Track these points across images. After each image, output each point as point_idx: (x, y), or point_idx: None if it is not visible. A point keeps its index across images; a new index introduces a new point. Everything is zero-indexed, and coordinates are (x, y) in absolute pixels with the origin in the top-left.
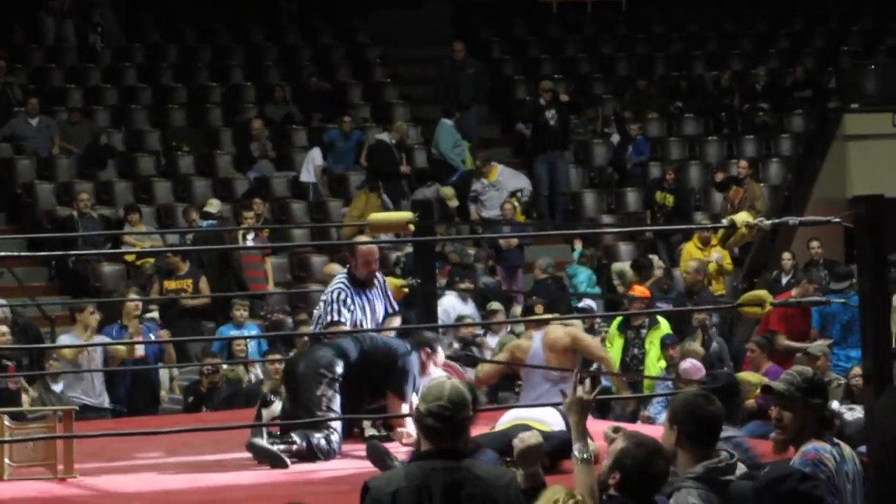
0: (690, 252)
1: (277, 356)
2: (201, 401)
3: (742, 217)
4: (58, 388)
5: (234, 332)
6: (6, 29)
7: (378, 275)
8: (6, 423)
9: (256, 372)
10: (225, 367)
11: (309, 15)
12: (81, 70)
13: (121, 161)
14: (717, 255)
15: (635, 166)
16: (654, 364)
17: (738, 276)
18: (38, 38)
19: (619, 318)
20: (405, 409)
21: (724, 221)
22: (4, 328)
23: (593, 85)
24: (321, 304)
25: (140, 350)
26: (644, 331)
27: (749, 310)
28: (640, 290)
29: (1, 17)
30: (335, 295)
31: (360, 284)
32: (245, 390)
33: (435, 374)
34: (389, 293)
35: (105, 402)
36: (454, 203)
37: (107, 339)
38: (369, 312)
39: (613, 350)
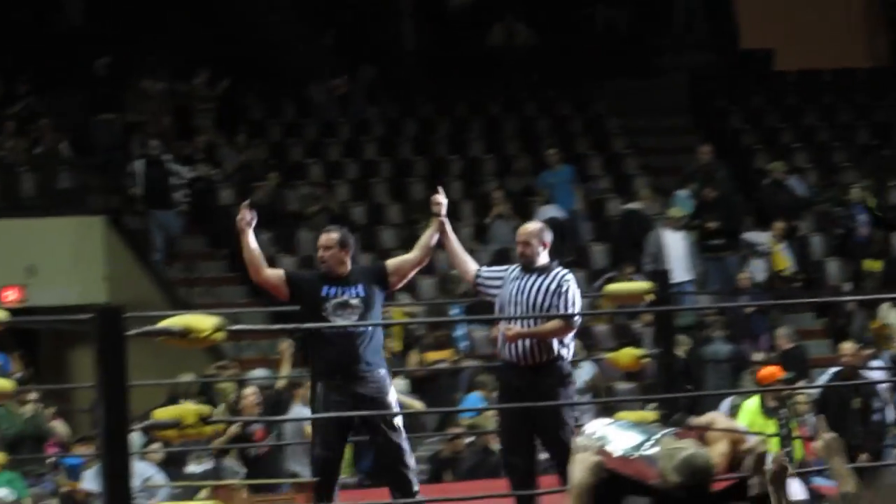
0: None
1: None
2: (442, 469)
3: None
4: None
5: (483, 404)
6: (244, 105)
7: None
8: (244, 495)
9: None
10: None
11: (546, 86)
12: (321, 145)
13: (362, 234)
14: None
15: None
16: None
17: None
18: (277, 113)
19: (758, 403)
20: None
21: None
22: (251, 388)
23: (832, 153)
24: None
25: None
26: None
27: None
28: (769, 373)
29: (240, 94)
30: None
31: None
32: (491, 462)
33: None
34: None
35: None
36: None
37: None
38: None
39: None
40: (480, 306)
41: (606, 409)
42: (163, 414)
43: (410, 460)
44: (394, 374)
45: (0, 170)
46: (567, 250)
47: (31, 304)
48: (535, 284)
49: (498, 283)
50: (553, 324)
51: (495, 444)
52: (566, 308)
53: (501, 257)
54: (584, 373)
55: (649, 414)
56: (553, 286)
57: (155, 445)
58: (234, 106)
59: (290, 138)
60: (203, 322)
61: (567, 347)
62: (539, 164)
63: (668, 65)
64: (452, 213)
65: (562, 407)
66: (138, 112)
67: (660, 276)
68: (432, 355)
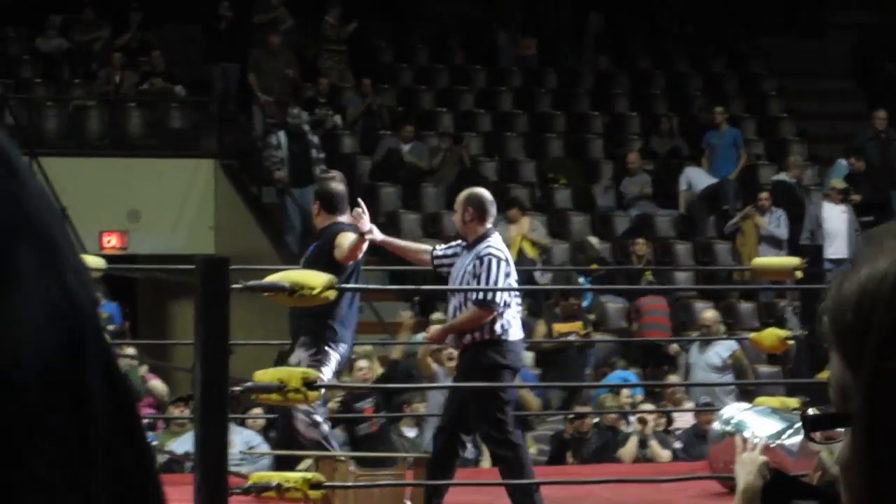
0: None
1: (650, 407)
2: (565, 451)
3: None
4: (412, 433)
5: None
6: (373, 48)
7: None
8: (351, 468)
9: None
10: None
11: (700, 41)
12: (454, 93)
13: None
14: None
15: None
16: None
17: None
18: (408, 58)
19: None
20: None
21: None
22: (364, 363)
23: None
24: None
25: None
26: None
27: None
28: None
29: (368, 37)
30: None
31: None
32: (617, 443)
33: None
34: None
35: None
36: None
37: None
38: None
39: None
40: (610, 276)
41: (746, 393)
42: (265, 376)
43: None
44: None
45: (106, 105)
46: (719, 217)
47: (131, 252)
48: (462, 263)
49: (454, 259)
50: (468, 314)
51: (623, 425)
52: (483, 291)
53: (642, 222)
54: (722, 350)
55: (791, 400)
56: (470, 266)
57: (257, 410)
58: (363, 48)
59: (420, 85)
60: (314, 279)
61: (499, 326)
62: (689, 124)
63: (833, 23)
64: (592, 175)
65: (473, 394)
66: (261, 73)
67: (811, 251)
68: (560, 327)
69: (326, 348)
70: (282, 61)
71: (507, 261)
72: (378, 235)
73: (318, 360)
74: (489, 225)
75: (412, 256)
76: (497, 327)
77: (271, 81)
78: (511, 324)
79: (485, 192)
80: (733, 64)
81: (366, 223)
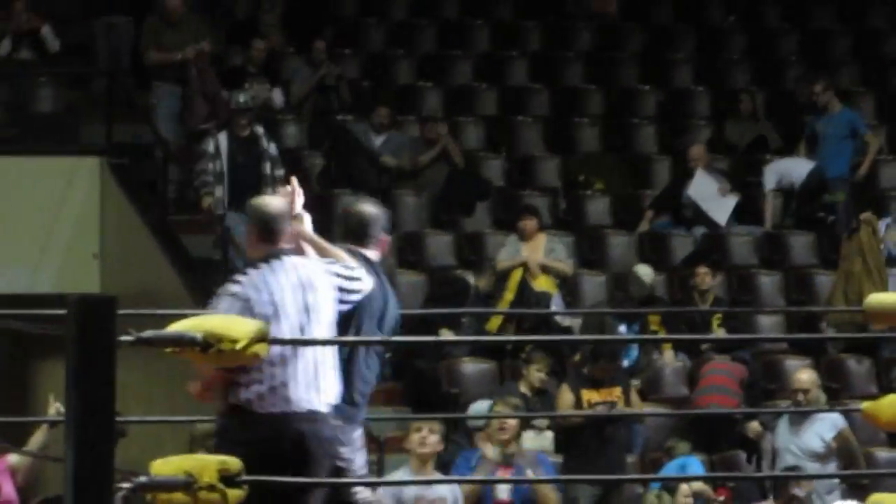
0: None
1: None
2: None
3: None
4: None
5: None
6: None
7: None
8: None
9: None
10: None
11: None
12: (444, 60)
13: (497, 203)
14: None
15: None
16: None
17: None
18: (381, 7)
19: None
20: None
21: None
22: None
23: None
24: None
25: (503, 494)
26: None
27: None
28: None
29: None
30: None
31: None
32: None
33: None
34: None
35: None
36: None
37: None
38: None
39: None
40: (666, 321)
41: (856, 488)
42: (166, 467)
43: None
44: (526, 425)
45: None
46: (821, 235)
47: None
48: None
49: None
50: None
51: None
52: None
53: (711, 244)
54: (824, 428)
55: None
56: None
57: None
58: None
59: (396, 49)
60: (238, 327)
61: (241, 392)
62: (780, 103)
63: None
64: (640, 177)
65: None
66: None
67: None
68: (591, 395)
69: None
70: (189, 31)
71: (240, 297)
72: (307, 225)
73: None
74: (277, 246)
75: None
76: (240, 393)
77: (184, 63)
78: (265, 390)
79: (272, 203)
80: (844, 16)
81: (297, 204)
